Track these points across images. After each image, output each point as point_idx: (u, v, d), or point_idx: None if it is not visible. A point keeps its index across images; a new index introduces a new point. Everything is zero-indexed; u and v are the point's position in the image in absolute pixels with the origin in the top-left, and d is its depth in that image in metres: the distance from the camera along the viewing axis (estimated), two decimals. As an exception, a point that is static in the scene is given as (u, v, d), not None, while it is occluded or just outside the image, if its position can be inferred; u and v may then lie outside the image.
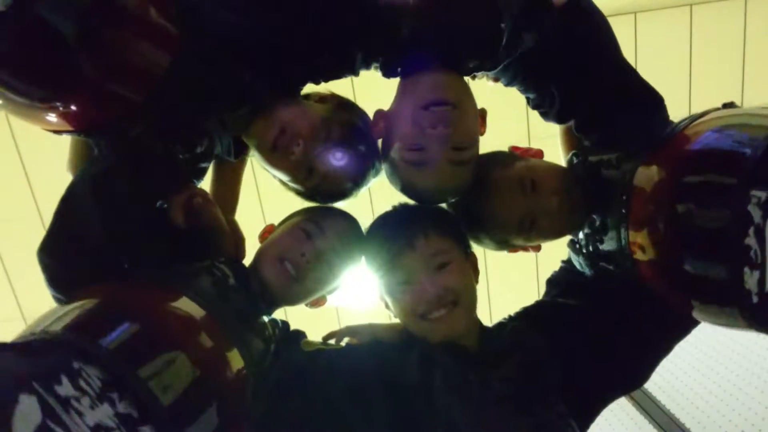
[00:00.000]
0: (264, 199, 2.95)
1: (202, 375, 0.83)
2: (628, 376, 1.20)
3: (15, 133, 3.19)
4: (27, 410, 0.64)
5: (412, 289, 1.06)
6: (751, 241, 0.80)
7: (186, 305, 0.94)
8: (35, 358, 0.70)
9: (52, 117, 0.93)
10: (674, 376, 2.43)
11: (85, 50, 0.85)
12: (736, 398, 2.18)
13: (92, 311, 0.85)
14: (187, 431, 0.77)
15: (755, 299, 0.81)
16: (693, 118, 1.05)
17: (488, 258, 2.16)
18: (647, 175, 1.04)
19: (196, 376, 0.82)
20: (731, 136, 0.94)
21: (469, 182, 1.13)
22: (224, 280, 1.05)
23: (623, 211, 1.07)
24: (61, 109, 0.91)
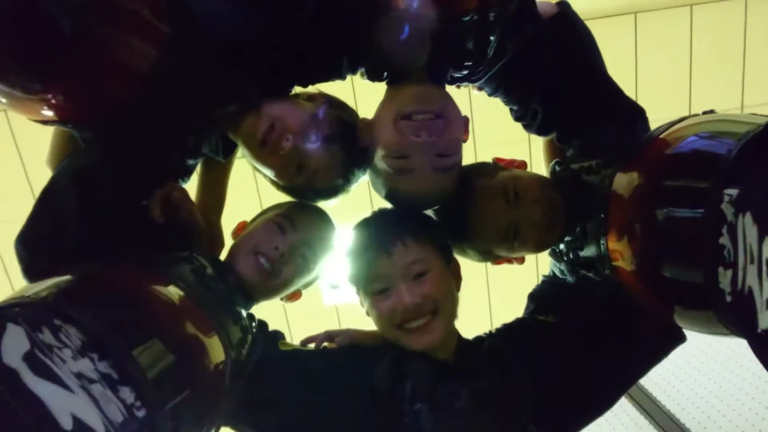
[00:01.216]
0: (264, 201, 2.95)
1: (182, 355, 0.84)
2: (601, 399, 1.22)
3: (15, 133, 3.19)
4: (14, 337, 0.64)
5: (389, 299, 1.05)
6: (725, 240, 0.80)
7: (169, 287, 0.94)
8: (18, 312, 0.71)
9: (39, 107, 0.93)
10: (674, 376, 2.42)
11: (75, 42, 0.85)
12: (736, 398, 2.18)
13: (75, 282, 0.85)
14: (168, 406, 0.77)
15: (728, 298, 0.81)
16: (671, 124, 1.06)
17: (489, 266, 2.17)
18: (625, 180, 1.05)
19: (175, 355, 0.82)
20: (707, 140, 0.95)
21: (453, 188, 1.13)
22: (203, 269, 1.06)
23: (602, 216, 1.08)
24: (49, 99, 0.91)
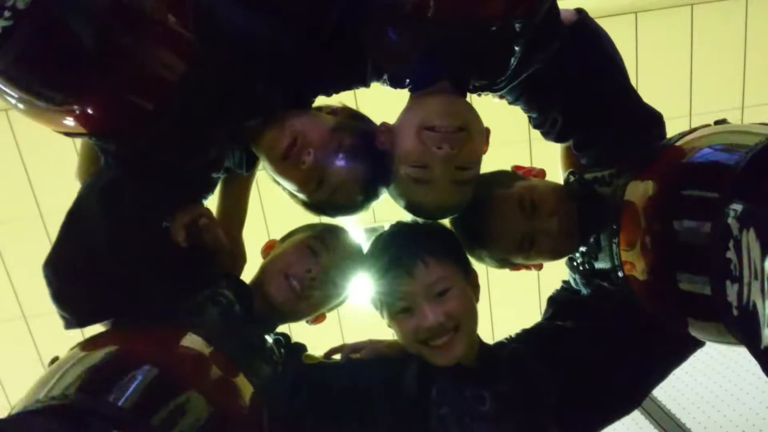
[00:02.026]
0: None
1: (217, 411, 0.84)
2: (622, 402, 1.23)
3: (16, 133, 3.19)
4: None
5: (413, 318, 1.05)
6: (731, 254, 0.80)
7: (195, 343, 0.94)
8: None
9: (63, 118, 0.92)
10: (675, 376, 2.41)
11: (101, 53, 0.85)
12: (736, 398, 2.18)
13: (102, 366, 0.85)
14: None
15: (735, 312, 0.80)
16: (682, 135, 1.06)
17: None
18: (636, 190, 1.05)
19: (211, 412, 0.83)
20: (717, 153, 0.95)
21: (469, 199, 1.13)
22: (230, 308, 1.06)
23: (614, 226, 1.08)
24: (72, 110, 0.90)
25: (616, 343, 1.16)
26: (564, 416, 1.11)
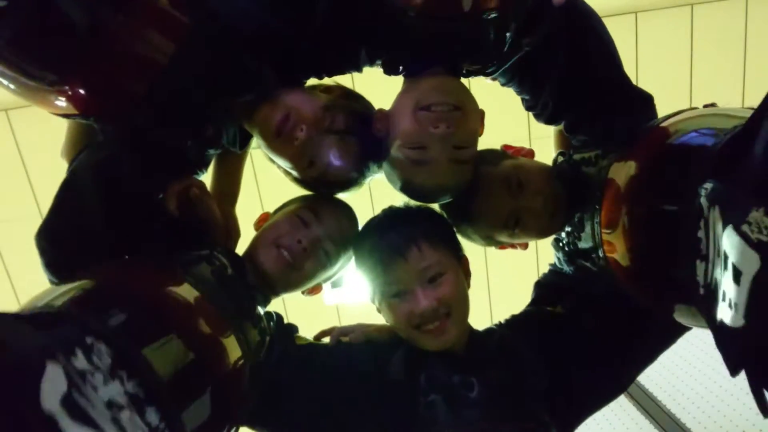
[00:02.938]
0: (263, 193, 2.95)
1: (199, 359, 0.84)
2: (610, 386, 1.22)
3: (16, 133, 3.20)
4: (54, 378, 0.62)
5: (405, 302, 1.06)
6: (701, 233, 0.80)
7: (185, 289, 0.94)
8: (50, 330, 0.70)
9: (57, 99, 0.93)
10: (674, 376, 2.42)
11: (92, 35, 0.86)
12: (736, 398, 2.18)
13: (95, 290, 0.85)
14: (184, 414, 0.78)
15: (702, 291, 0.80)
16: (667, 117, 1.07)
17: (489, 261, 2.16)
18: (618, 171, 1.06)
19: (191, 359, 0.83)
20: (698, 135, 0.96)
21: (468, 180, 1.14)
22: (222, 269, 1.05)
23: (596, 207, 1.09)
24: (66, 91, 0.91)
25: (603, 326, 1.16)
26: (552, 401, 1.11)
